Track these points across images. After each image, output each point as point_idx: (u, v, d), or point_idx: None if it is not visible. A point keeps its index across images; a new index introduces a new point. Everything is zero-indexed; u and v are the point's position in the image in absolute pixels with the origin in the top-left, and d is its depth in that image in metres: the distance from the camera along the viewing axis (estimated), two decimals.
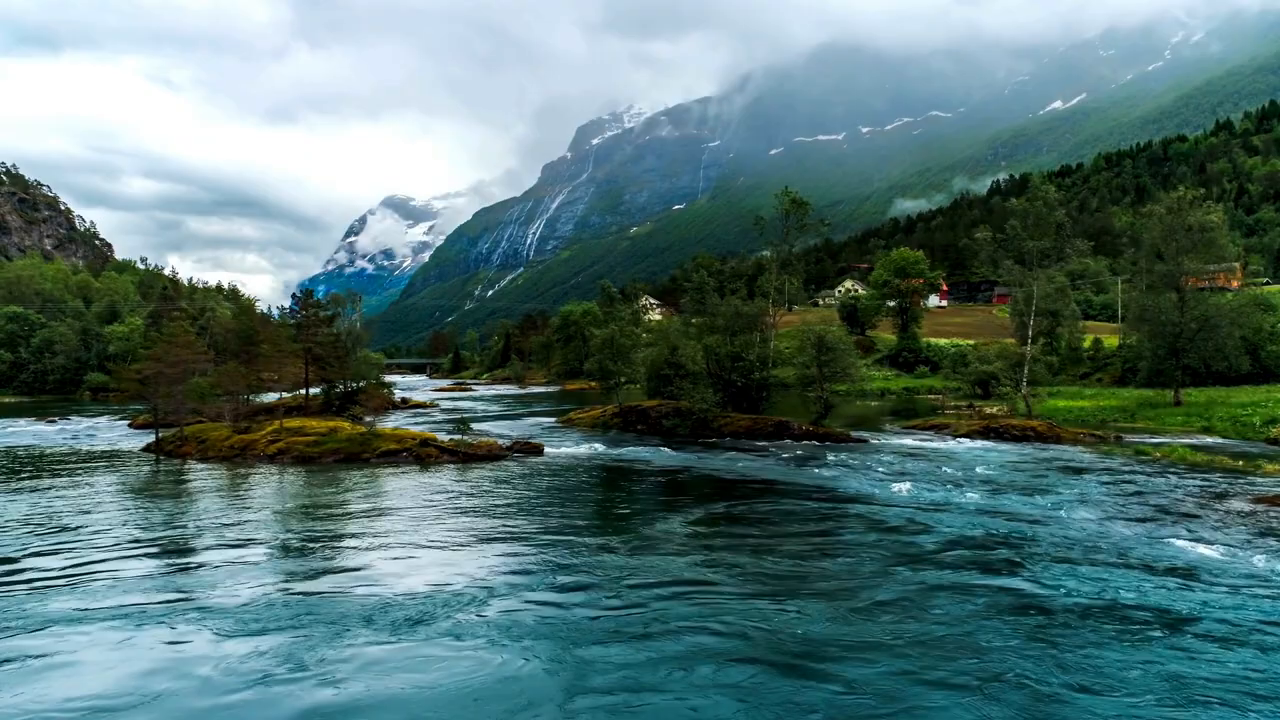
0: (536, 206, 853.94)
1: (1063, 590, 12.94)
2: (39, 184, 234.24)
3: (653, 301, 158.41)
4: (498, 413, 60.70)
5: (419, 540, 17.39)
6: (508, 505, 21.83)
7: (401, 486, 25.13)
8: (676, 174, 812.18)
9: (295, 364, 35.14)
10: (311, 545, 17.17)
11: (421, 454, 30.28)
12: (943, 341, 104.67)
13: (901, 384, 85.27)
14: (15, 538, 18.05)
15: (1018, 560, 14.82)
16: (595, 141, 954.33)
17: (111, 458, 33.23)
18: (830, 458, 30.02)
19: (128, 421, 50.77)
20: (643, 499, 23.66)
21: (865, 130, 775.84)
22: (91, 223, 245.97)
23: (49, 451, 35.59)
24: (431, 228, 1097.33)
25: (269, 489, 25.39)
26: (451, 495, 23.43)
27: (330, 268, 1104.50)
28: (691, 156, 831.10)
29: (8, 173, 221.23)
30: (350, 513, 20.80)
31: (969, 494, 21.81)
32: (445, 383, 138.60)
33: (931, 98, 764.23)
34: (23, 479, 27.26)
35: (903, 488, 22.84)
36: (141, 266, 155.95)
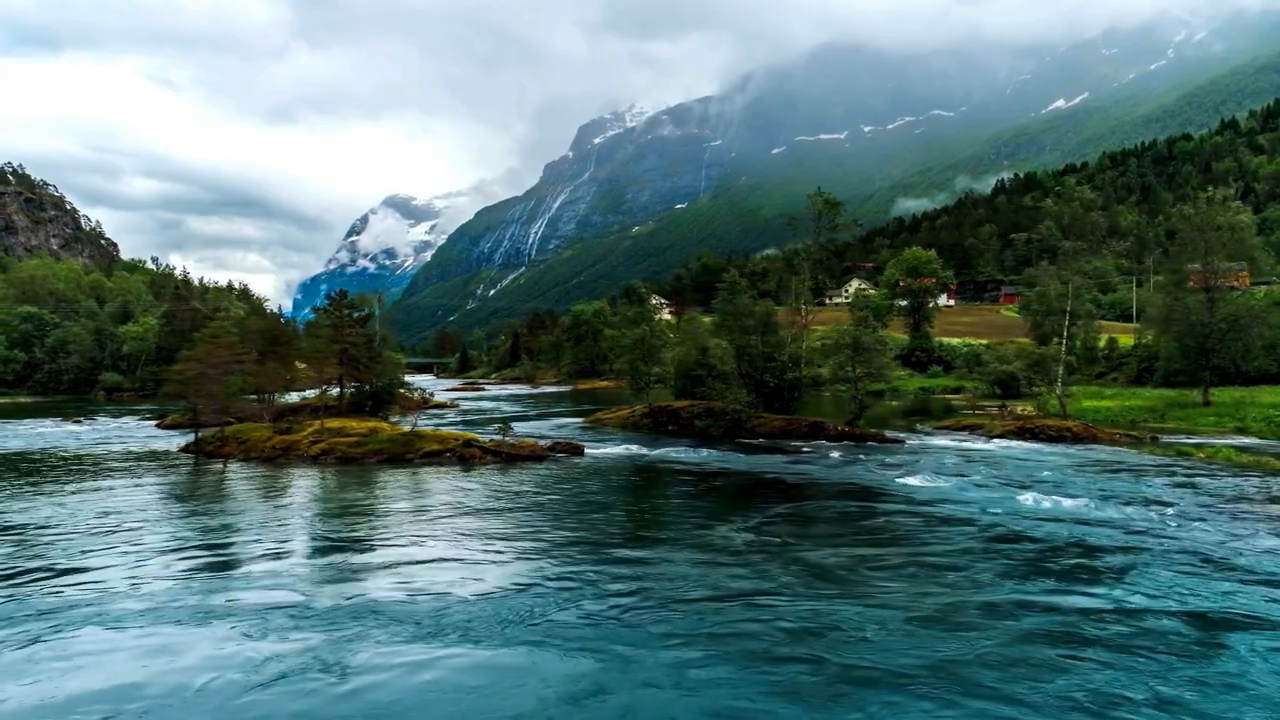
0: (538, 206, 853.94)
1: (1153, 599, 12.79)
2: (45, 183, 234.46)
3: (662, 301, 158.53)
4: (519, 413, 60.76)
5: (475, 542, 17.46)
6: (557, 507, 21.91)
7: (449, 488, 25.18)
8: (678, 173, 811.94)
9: (331, 364, 35.23)
10: (366, 548, 17.22)
11: (465, 455, 30.38)
12: (955, 341, 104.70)
13: (916, 384, 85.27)
14: (69, 539, 18.14)
15: (1102, 567, 14.81)
16: (597, 141, 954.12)
17: (151, 459, 33.29)
18: (874, 459, 30.12)
19: (155, 422, 50.87)
20: (693, 501, 23.69)
21: (867, 129, 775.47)
22: (97, 222, 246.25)
23: (86, 453, 35.62)
24: (433, 227, 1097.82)
25: (317, 490, 25.48)
26: (501, 497, 23.50)
27: (332, 267, 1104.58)
28: (693, 156, 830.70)
29: (14, 173, 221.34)
30: (401, 515, 20.84)
31: (1028, 496, 21.86)
32: (455, 382, 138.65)
33: (933, 97, 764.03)
34: (69, 480, 27.33)
35: (959, 490, 22.93)
36: (152, 266, 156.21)
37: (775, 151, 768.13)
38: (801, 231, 42.24)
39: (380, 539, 18.02)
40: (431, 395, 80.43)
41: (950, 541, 16.97)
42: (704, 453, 32.86)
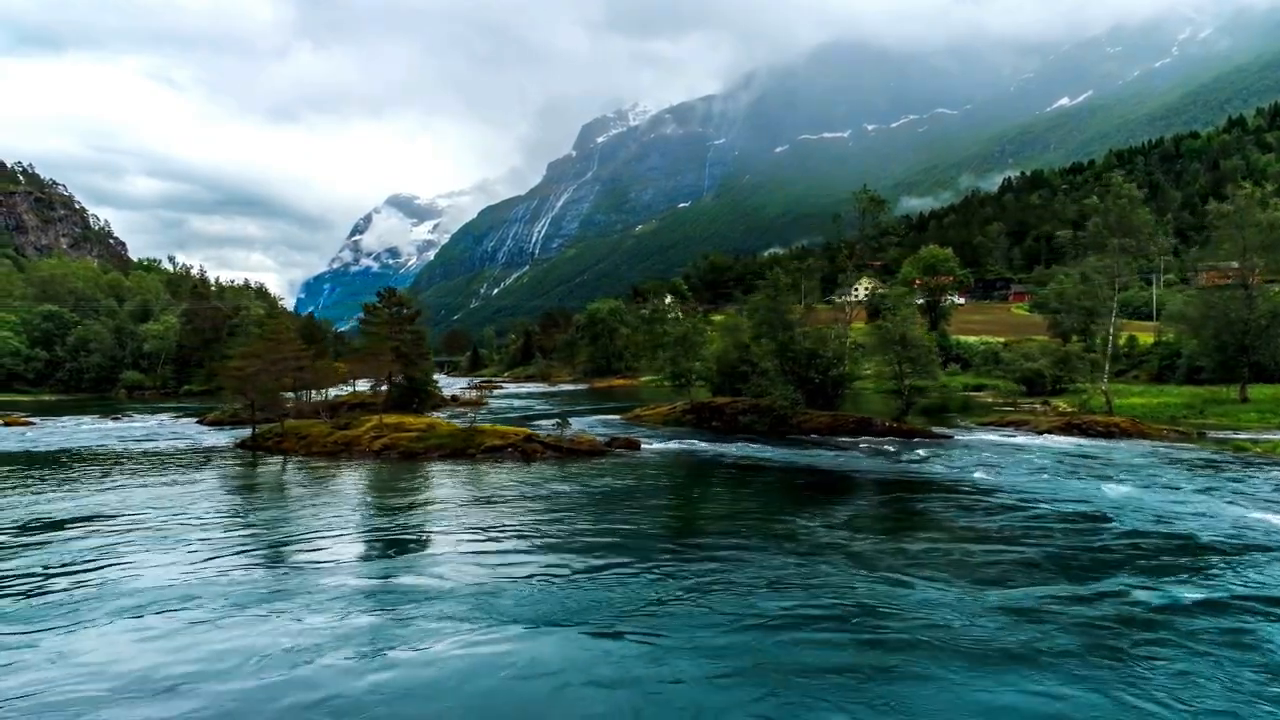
0: (542, 205, 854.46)
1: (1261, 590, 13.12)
2: (54, 183, 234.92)
3: (672, 299, 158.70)
4: (548, 410, 60.93)
5: (551, 532, 17.78)
6: (629, 501, 22.20)
7: (516, 481, 25.42)
8: (681, 172, 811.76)
9: (386, 360, 35.57)
10: (448, 538, 17.62)
11: (526, 449, 30.68)
12: (971, 339, 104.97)
13: (921, 383, 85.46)
14: (157, 529, 18.53)
15: (1210, 563, 14.85)
16: (600, 139, 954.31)
17: (211, 455, 33.57)
18: (932, 454, 30.38)
19: (196, 419, 51.19)
20: (764, 495, 23.77)
21: (870, 128, 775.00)
22: (106, 221, 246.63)
23: (143, 450, 35.90)
24: (436, 226, 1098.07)
25: (388, 484, 25.73)
26: (570, 489, 23.75)
27: (335, 266, 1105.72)
28: (696, 155, 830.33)
29: (24, 172, 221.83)
30: (476, 507, 21.16)
31: (1110, 492, 22.06)
32: (470, 381, 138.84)
33: (936, 95, 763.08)
34: (141, 475, 27.62)
35: (1036, 485, 23.18)
36: (168, 266, 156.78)
37: (778, 150, 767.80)
38: (847, 229, 42.49)
39: (461, 529, 18.32)
40: (445, 392, 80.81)
41: (1040, 537, 17.24)
42: (758, 448, 33.15)
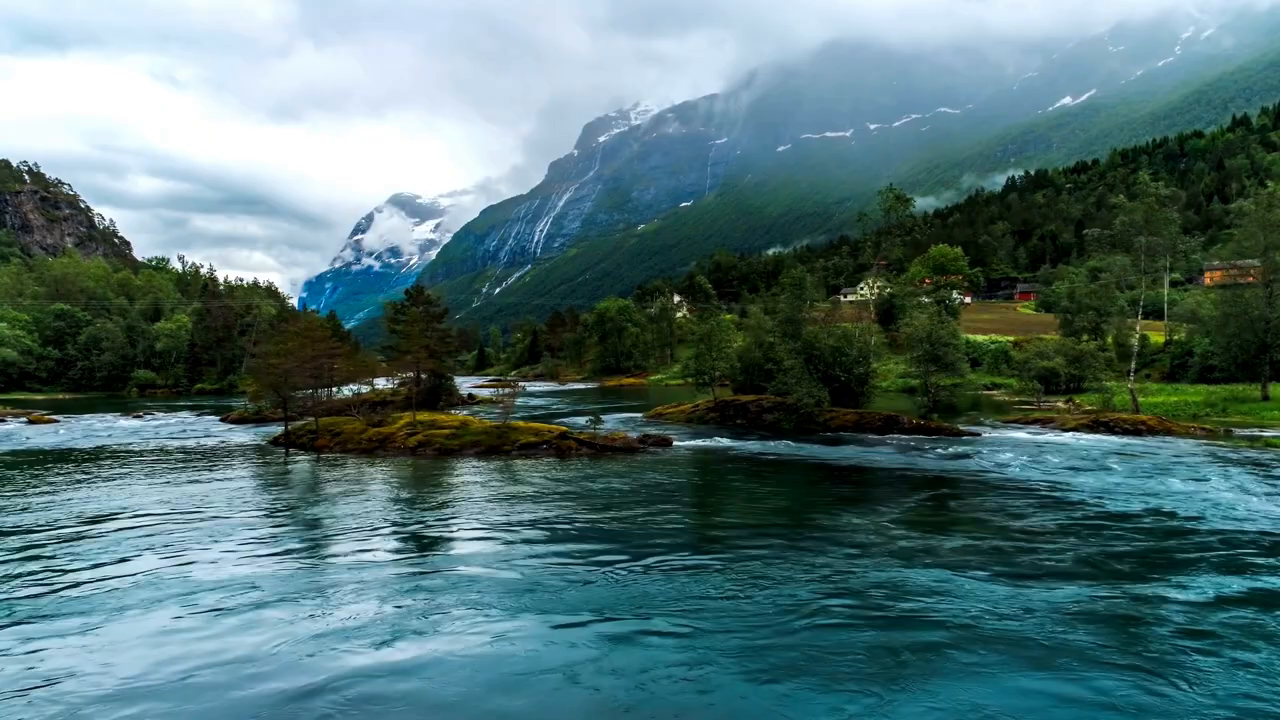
0: (544, 204, 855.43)
1: None
2: (59, 182, 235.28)
3: (680, 299, 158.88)
4: (564, 408, 61.19)
5: (596, 530, 17.82)
6: (667, 496, 22.28)
7: (554, 478, 25.51)
8: (683, 171, 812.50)
9: (420, 356, 35.80)
10: (498, 531, 17.74)
11: (561, 446, 30.90)
12: (981, 338, 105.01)
13: (947, 380, 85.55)
14: (193, 527, 18.63)
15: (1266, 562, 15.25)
16: (602, 139, 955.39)
17: (247, 452, 33.80)
18: (965, 451, 30.56)
19: (219, 417, 51.42)
20: (802, 491, 23.81)
21: (873, 127, 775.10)
22: (111, 220, 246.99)
23: (177, 448, 36.11)
24: (438, 225, 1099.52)
25: (427, 480, 25.87)
26: (610, 486, 23.81)
27: (337, 265, 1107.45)
28: (698, 154, 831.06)
29: (30, 171, 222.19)
30: (518, 501, 21.27)
31: (1157, 486, 22.18)
32: (477, 379, 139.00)
33: (939, 94, 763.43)
34: (182, 473, 27.84)
35: (1082, 481, 23.34)
36: (177, 265, 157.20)
37: (781, 149, 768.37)
38: (871, 226, 42.74)
39: (502, 524, 18.41)
40: (464, 390, 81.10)
41: (1101, 534, 17.41)
42: (788, 445, 33.34)
